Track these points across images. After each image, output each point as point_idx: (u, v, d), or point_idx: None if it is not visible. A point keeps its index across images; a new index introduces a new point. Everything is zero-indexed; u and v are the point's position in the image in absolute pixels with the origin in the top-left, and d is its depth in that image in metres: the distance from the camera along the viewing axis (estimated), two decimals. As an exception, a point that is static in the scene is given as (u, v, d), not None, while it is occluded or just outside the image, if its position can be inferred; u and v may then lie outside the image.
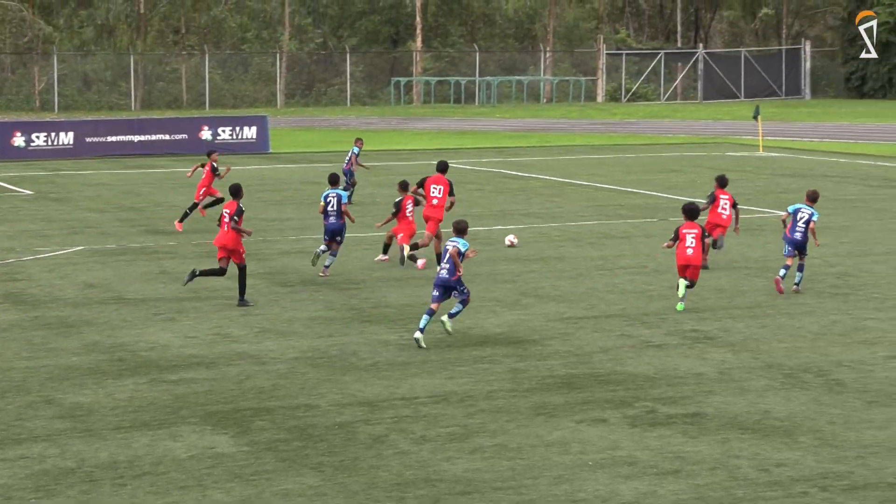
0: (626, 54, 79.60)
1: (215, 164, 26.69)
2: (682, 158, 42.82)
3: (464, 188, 34.08)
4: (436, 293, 15.97)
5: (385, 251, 22.00)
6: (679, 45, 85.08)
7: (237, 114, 58.51)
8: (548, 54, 79.91)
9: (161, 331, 16.84)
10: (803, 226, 18.86)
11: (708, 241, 18.76)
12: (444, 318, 16.13)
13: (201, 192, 26.64)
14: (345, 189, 27.21)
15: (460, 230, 16.27)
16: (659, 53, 79.61)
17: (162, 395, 13.77)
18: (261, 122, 46.82)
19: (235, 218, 18.22)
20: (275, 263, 22.16)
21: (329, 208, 20.54)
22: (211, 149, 28.35)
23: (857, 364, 14.80)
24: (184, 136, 45.37)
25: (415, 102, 76.00)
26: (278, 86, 73.61)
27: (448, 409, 13.17)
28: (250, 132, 46.21)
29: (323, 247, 20.79)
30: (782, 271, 19.07)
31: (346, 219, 20.56)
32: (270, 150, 45.81)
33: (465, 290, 16.08)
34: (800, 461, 11.40)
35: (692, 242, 17.82)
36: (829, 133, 52.85)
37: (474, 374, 14.59)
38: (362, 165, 31.04)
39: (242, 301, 18.36)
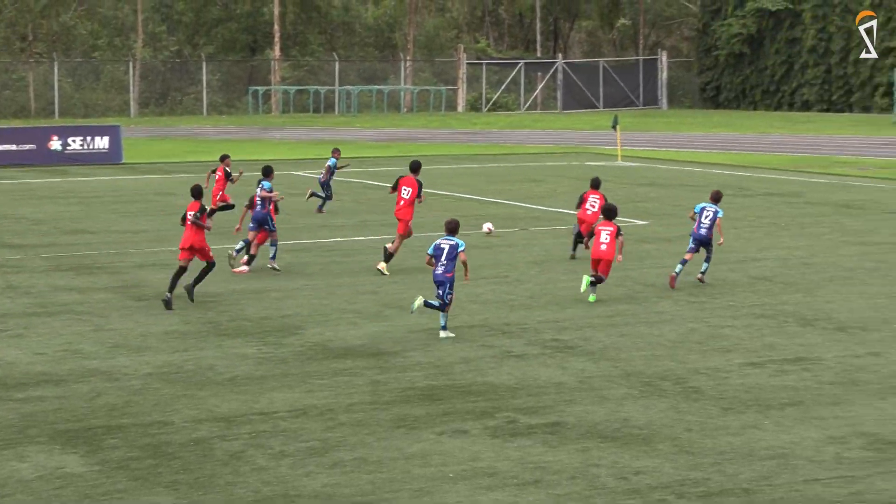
0: (487, 64, 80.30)
1: (228, 169, 27.03)
2: (542, 168, 43.33)
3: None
4: (438, 290, 16.97)
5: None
6: (539, 54, 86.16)
7: (89, 123, 57.29)
8: (408, 63, 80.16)
9: (8, 347, 16.39)
10: (708, 223, 20.46)
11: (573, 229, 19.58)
12: (442, 333, 16.84)
13: (217, 198, 26.83)
14: (327, 198, 29.62)
15: (453, 229, 17.21)
16: (519, 63, 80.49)
17: (8, 414, 13.39)
18: (113, 132, 45.95)
19: (198, 215, 18.98)
20: (129, 277, 21.76)
21: (258, 199, 21.81)
22: (224, 154, 28.55)
23: (714, 371, 15.12)
24: (32, 146, 44.32)
25: (273, 112, 75.48)
26: (132, 94, 72.40)
27: (307, 423, 13.08)
28: (102, 142, 45.33)
29: (240, 244, 21.72)
30: (679, 267, 20.37)
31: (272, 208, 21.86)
32: (124, 161, 45.00)
33: (451, 294, 16.93)
34: (658, 469, 11.60)
35: (606, 239, 19.14)
36: (685, 143, 54.04)
37: (334, 387, 14.52)
38: (340, 168, 31.12)
39: (192, 288, 19.03)
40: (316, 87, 76.17)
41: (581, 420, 13.15)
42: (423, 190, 22.45)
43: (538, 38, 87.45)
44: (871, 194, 34.18)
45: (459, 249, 17.06)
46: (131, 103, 72.36)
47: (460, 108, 78.85)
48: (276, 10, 77.35)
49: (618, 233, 19.23)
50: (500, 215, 29.95)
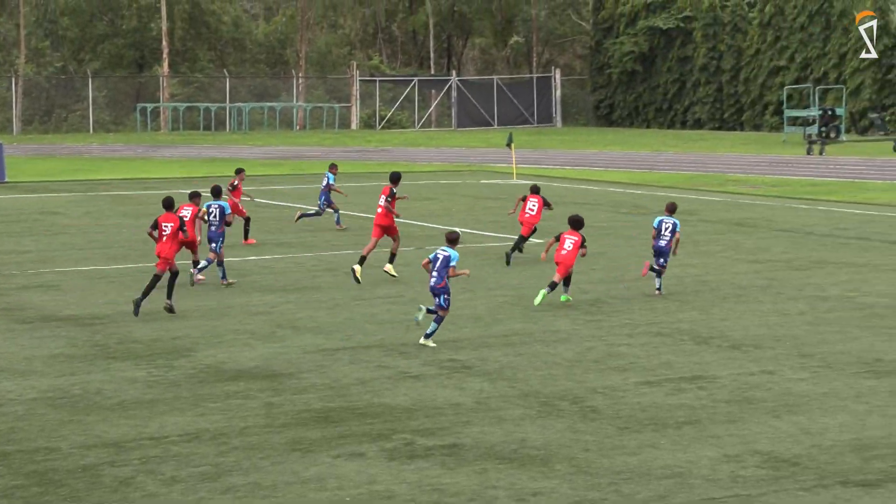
0: (380, 81, 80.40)
1: (236, 182, 28.22)
2: (437, 186, 43.45)
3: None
4: (435, 299, 17.58)
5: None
6: (433, 72, 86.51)
7: (-31, 140, 56.05)
8: (300, 80, 79.91)
9: None
10: (668, 234, 21.69)
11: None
12: (422, 339, 17.51)
13: (241, 208, 27.86)
14: (316, 214, 30.48)
15: (452, 240, 17.87)
16: (413, 80, 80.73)
17: None
18: (-5, 149, 45.09)
19: (183, 228, 20.21)
20: (12, 299, 21.30)
21: (211, 218, 22.49)
22: (240, 167, 29.84)
23: (611, 390, 15.26)
24: None
25: (162, 129, 74.67)
26: (14, 112, 71.08)
27: (200, 448, 12.90)
28: (-16, 160, 44.44)
29: (203, 263, 22.40)
30: (653, 266, 21.69)
31: (225, 227, 22.59)
32: (6, 179, 44.15)
33: (447, 302, 17.48)
34: (556, 489, 11.65)
35: (569, 246, 20.67)
36: (580, 160, 54.63)
37: (227, 410, 14.35)
38: (338, 191, 31.17)
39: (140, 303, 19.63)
40: (206, 104, 75.54)
41: (478, 441, 13.17)
42: (392, 196, 23.48)
43: (432, 55, 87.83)
44: (762, 212, 34.85)
45: (451, 263, 17.63)
46: (14, 120, 71.03)
47: (354, 126, 78.79)
48: (164, 26, 76.62)
49: (582, 243, 20.65)
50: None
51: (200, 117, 74.67)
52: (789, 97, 68.88)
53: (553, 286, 20.53)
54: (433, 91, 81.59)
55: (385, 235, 23.54)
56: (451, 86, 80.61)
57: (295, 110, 78.17)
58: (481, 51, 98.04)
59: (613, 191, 41.23)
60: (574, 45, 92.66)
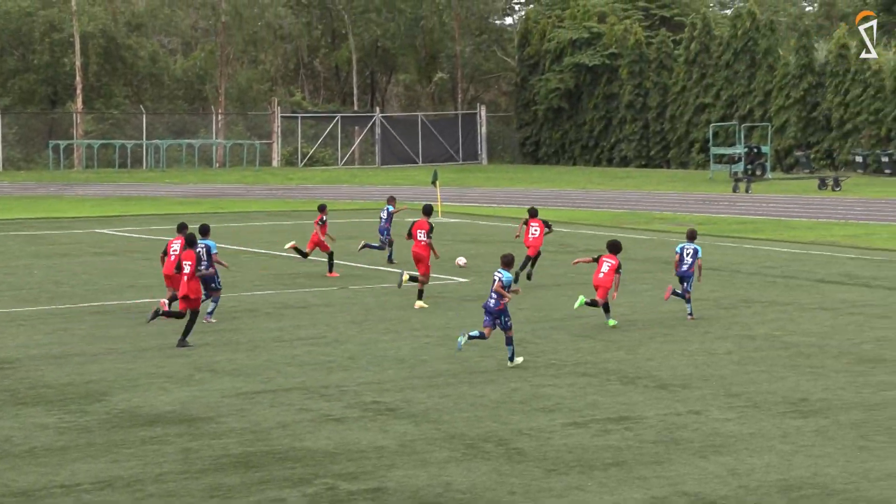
0: (302, 117, 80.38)
1: (325, 217, 29.44)
2: (361, 224, 43.43)
3: (128, 257, 33.36)
4: (486, 318, 19.00)
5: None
6: (356, 108, 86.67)
7: None
8: (220, 117, 79.64)
9: None
10: (690, 260, 23.18)
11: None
12: (510, 363, 18.89)
13: (324, 241, 29.09)
14: (380, 247, 31.48)
15: (507, 263, 19.15)
16: (336, 117, 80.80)
17: None
18: None
19: (199, 267, 20.87)
20: (-83, 343, 20.92)
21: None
22: (322, 203, 30.79)
23: (537, 432, 15.32)
24: None
25: (76, 167, 73.95)
26: (-79, 148, 70.04)
27: (113, 496, 12.74)
28: None
29: (212, 306, 22.55)
30: (688, 306, 23.24)
31: (218, 266, 22.67)
32: (-88, 218, 43.42)
33: (509, 322, 18.85)
34: (482, 533, 11.65)
35: (606, 269, 22.21)
36: (506, 198, 54.92)
37: (142, 456, 14.20)
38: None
39: (184, 340, 20.42)
40: (122, 141, 75.00)
41: (403, 485, 13.15)
42: (432, 231, 25.12)
43: (355, 91, 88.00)
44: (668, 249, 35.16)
45: (505, 284, 18.89)
46: (-79, 157, 69.98)
47: (275, 163, 78.62)
48: (78, 61, 76.02)
49: (618, 268, 22.17)
50: (317, 273, 29.88)
51: (116, 154, 74.08)
52: (715, 135, 69.90)
53: (594, 303, 22.30)
54: (357, 128, 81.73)
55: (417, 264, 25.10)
56: (374, 122, 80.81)
57: (214, 147, 77.85)
58: (405, 87, 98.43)
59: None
60: (499, 81, 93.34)
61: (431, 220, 25.75)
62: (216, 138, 78.46)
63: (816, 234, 39.26)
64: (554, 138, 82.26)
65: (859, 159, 65.47)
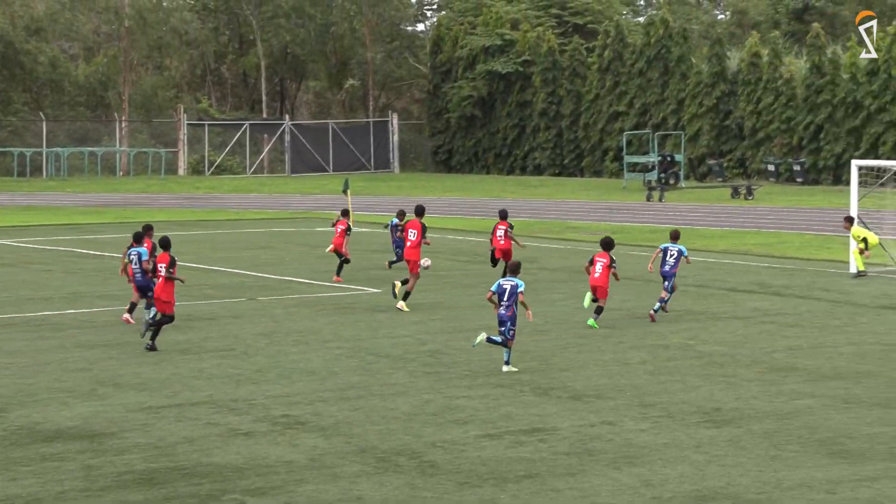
0: (209, 125, 79.79)
1: (350, 223, 31.10)
2: (270, 234, 43.25)
3: (27, 268, 32.88)
4: (501, 328, 19.50)
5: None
6: (265, 115, 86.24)
7: None
8: (123, 124, 78.79)
9: None
10: (673, 261, 24.54)
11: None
12: (505, 368, 19.44)
13: (338, 249, 30.30)
14: (399, 259, 31.40)
15: (513, 269, 19.80)
16: (244, 124, 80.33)
17: None
18: None
19: (170, 269, 20.99)
20: None
21: (133, 265, 22.96)
22: (345, 209, 32.76)
23: (450, 444, 15.35)
24: None
25: (-28, 176, 72.69)
26: None
27: (13, 516, 12.55)
28: None
29: (150, 315, 22.03)
30: (657, 304, 24.30)
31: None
32: None
33: (512, 331, 19.35)
34: (394, 548, 11.66)
35: (600, 269, 23.21)
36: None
37: (42, 473, 14.00)
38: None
39: (152, 345, 20.88)
40: (21, 149, 73.83)
41: (312, 500, 13.11)
42: (427, 233, 26.20)
43: (264, 98, 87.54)
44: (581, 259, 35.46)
45: (519, 290, 19.43)
46: None
47: (182, 172, 77.92)
48: (-26, 67, 74.78)
49: (611, 263, 23.18)
50: (226, 285, 29.69)
51: (14, 163, 72.91)
52: (629, 143, 70.58)
53: (595, 300, 23.32)
54: (266, 135, 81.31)
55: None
56: (284, 130, 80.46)
57: (118, 155, 76.98)
58: (316, 94, 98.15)
59: (452, 238, 41.58)
60: (411, 88, 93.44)
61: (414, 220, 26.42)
62: (120, 146, 77.60)
63: (729, 242, 39.81)
64: (467, 146, 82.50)
65: (771, 168, 66.51)
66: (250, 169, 79.63)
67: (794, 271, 32.58)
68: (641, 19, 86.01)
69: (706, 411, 16.98)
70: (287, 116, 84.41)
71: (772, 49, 68.15)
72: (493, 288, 19.74)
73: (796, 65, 67.65)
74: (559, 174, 77.38)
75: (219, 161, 78.73)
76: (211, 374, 19.43)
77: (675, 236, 25.34)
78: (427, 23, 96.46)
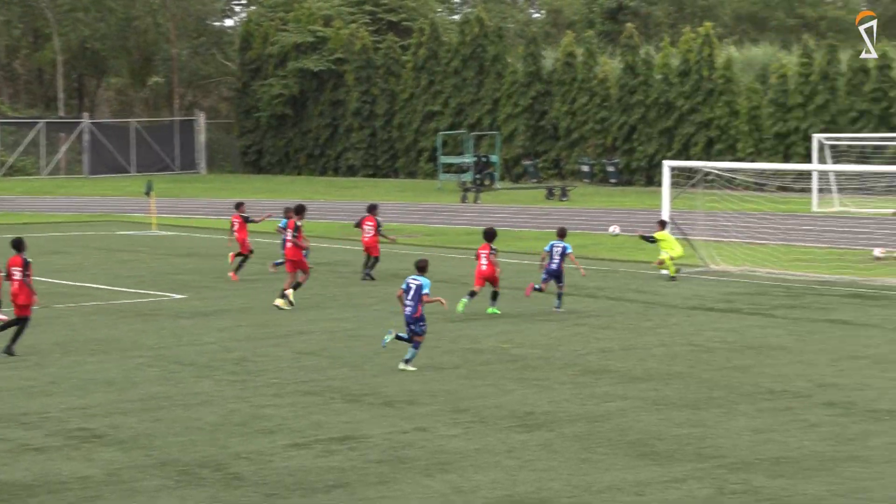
0: (1, 123, 77.63)
1: (244, 215, 31.74)
2: (67, 238, 42.28)
3: None
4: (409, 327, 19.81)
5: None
6: (62, 114, 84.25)
7: None
8: None
9: None
10: (558, 258, 25.85)
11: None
12: (401, 364, 19.69)
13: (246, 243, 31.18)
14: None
15: (421, 268, 20.15)
16: (39, 123, 78.36)
17: None
18: None
19: (26, 272, 21.24)
20: None
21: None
22: (239, 201, 33.69)
23: (257, 455, 15.21)
24: None
25: None
26: None
27: None
28: None
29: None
30: (536, 286, 26.03)
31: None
32: None
33: (423, 329, 19.74)
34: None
35: (485, 261, 24.91)
36: (226, 209, 54.33)
37: None
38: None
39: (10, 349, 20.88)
40: None
41: (110, 517, 12.81)
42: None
43: (61, 95, 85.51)
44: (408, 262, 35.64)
45: (423, 291, 19.75)
46: None
47: (-29, 173, 75.63)
48: None
49: (491, 251, 24.87)
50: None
51: None
52: (444, 143, 71.10)
53: (495, 295, 25.13)
54: (63, 135, 79.44)
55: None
56: (83, 129, 78.73)
57: None
58: (117, 91, 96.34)
59: (260, 241, 41.27)
60: (219, 86, 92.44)
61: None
62: None
63: (544, 244, 40.34)
64: (278, 146, 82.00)
65: (586, 168, 67.81)
66: (46, 170, 77.72)
67: (606, 273, 33.24)
68: (457, 17, 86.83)
69: (519, 416, 17.19)
70: (86, 115, 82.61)
71: (586, 49, 69.53)
72: (403, 286, 20.14)
73: (610, 65, 69.13)
74: (373, 175, 77.53)
75: (11, 161, 76.65)
76: (0, 386, 18.86)
77: (561, 234, 26.47)
78: (235, 18, 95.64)
